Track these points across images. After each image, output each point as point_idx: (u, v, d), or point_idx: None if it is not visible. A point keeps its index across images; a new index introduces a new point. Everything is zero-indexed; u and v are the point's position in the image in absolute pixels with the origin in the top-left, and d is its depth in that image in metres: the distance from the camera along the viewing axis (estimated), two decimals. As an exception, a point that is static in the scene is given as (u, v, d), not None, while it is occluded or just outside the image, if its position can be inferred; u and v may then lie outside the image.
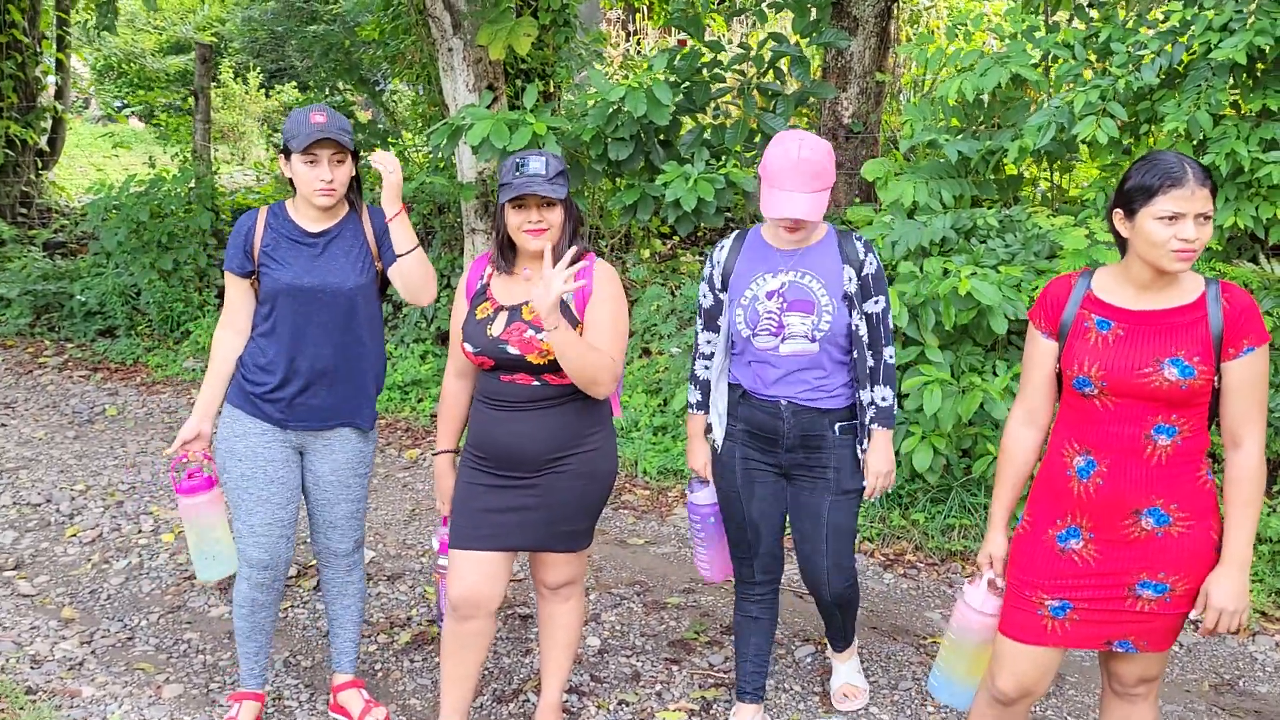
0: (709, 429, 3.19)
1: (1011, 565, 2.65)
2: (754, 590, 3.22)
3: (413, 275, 3.12)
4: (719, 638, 3.97)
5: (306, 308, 3.10)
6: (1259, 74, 4.64)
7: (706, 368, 3.15)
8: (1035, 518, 2.60)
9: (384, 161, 3.08)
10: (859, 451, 3.02)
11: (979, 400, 4.46)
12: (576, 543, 3.05)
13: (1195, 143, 4.63)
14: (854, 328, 2.94)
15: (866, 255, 2.95)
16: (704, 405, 3.17)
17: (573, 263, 2.83)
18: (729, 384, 3.12)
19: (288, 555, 3.25)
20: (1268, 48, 4.33)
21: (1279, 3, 4.36)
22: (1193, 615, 2.49)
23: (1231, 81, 4.61)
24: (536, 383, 2.87)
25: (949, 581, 4.48)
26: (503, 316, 2.88)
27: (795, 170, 2.82)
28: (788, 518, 3.17)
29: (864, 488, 3.05)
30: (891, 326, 3.03)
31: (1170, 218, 2.33)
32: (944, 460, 4.69)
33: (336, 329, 3.14)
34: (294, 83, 19.05)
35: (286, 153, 3.07)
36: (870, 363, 2.99)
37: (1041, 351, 2.58)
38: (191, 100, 15.99)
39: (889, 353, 3.00)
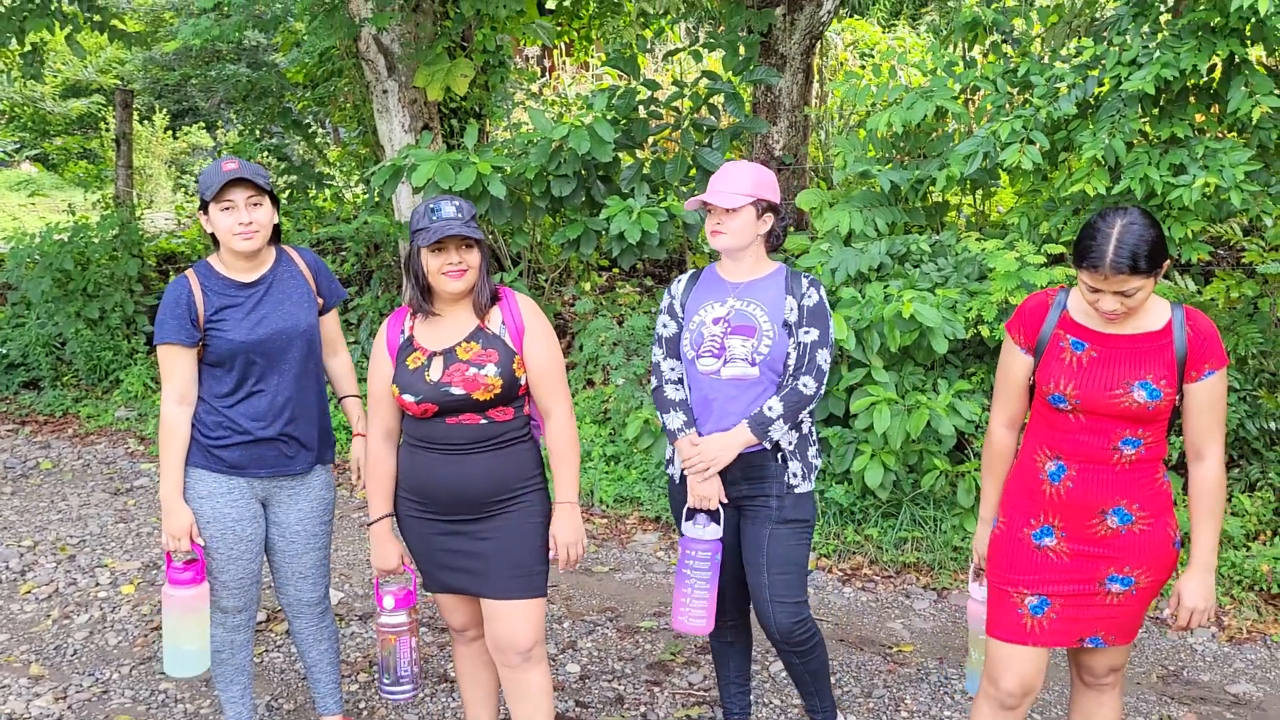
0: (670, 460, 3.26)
1: (991, 564, 2.83)
2: (725, 619, 3.31)
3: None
4: (695, 657, 4.09)
5: (268, 358, 3.11)
6: (1165, 104, 4.99)
7: (678, 390, 3.19)
8: (1010, 517, 2.80)
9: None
10: (788, 478, 3.09)
11: (926, 418, 4.69)
12: (533, 587, 2.95)
13: (1110, 168, 4.95)
14: (788, 355, 3.06)
15: (809, 289, 3.08)
16: (691, 423, 3.14)
17: (493, 300, 2.93)
18: None
19: (257, 596, 3.30)
20: (1173, 79, 4.66)
21: (1181, 39, 4.71)
22: (1165, 614, 2.71)
23: (1141, 111, 4.95)
24: (483, 421, 2.88)
25: (905, 592, 4.68)
26: (438, 361, 2.88)
27: (720, 173, 3.11)
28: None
29: (809, 520, 3.14)
30: (821, 365, 3.04)
31: (1091, 289, 2.54)
32: (893, 476, 4.91)
33: (297, 372, 3.17)
34: (200, 123, 18.81)
35: (204, 206, 3.08)
36: (785, 384, 3.06)
37: (1019, 364, 2.78)
38: (98, 144, 15.70)
39: (805, 381, 3.03)
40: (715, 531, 3.13)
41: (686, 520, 3.17)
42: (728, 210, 3.04)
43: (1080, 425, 2.64)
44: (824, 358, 3.04)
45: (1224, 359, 2.59)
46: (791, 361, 3.05)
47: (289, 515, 3.24)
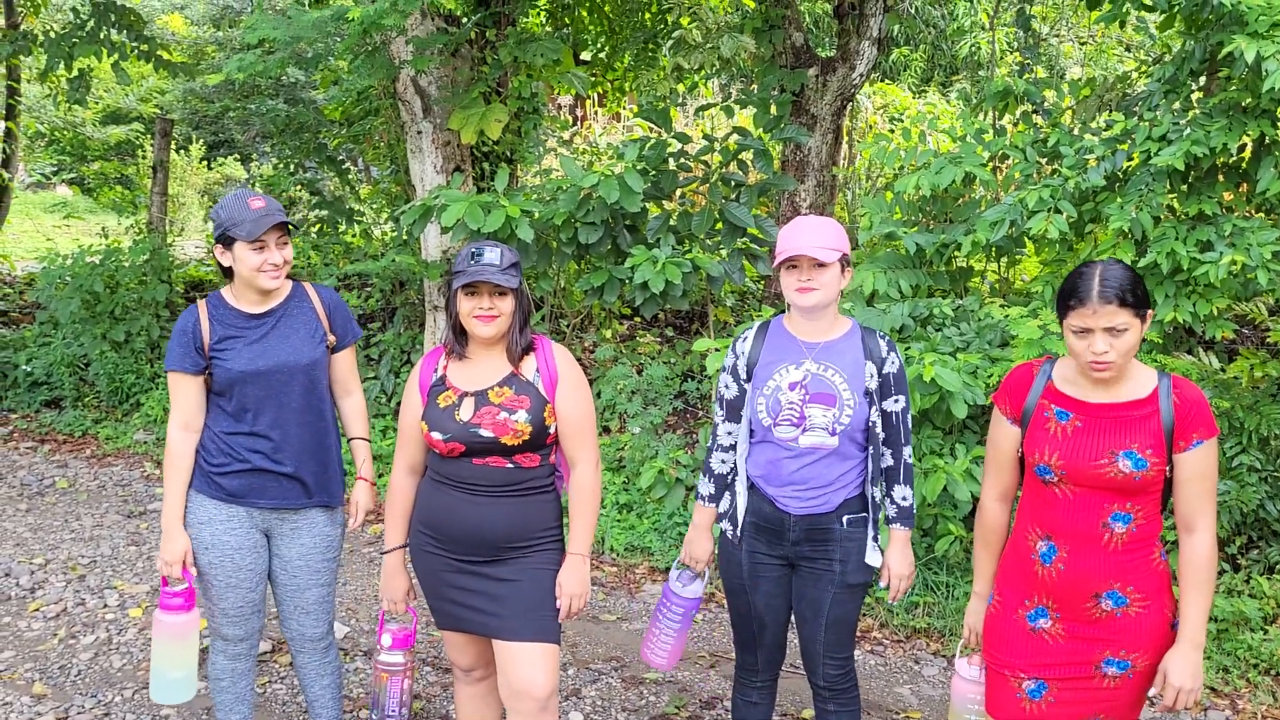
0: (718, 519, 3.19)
1: (987, 645, 2.80)
2: (756, 678, 3.26)
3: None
4: (699, 712, 4.05)
5: (267, 390, 3.11)
6: (1194, 181, 5.01)
7: (724, 461, 3.12)
8: (1005, 597, 2.77)
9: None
10: (871, 543, 3.04)
11: (942, 483, 4.66)
12: (549, 632, 2.92)
13: (1136, 241, 4.96)
14: (871, 423, 2.99)
15: (889, 353, 3.01)
16: (716, 499, 3.14)
17: (525, 351, 2.93)
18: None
19: (260, 625, 3.30)
20: (1202, 156, 4.69)
21: (1211, 117, 4.73)
22: (1152, 693, 2.65)
23: (1170, 186, 4.96)
24: (510, 465, 2.88)
25: (915, 658, 4.62)
26: (469, 402, 2.88)
27: (801, 227, 2.97)
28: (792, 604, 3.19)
29: (869, 583, 3.09)
30: (910, 426, 3.05)
31: (1080, 332, 2.51)
32: (908, 539, 4.86)
33: (299, 407, 3.16)
34: (235, 155, 19.11)
35: (227, 241, 3.06)
36: (890, 461, 3.03)
37: (1006, 436, 2.76)
38: (134, 171, 15.96)
39: (908, 452, 3.02)
40: (696, 590, 3.27)
41: (673, 571, 3.28)
42: (820, 265, 2.91)
43: (1068, 500, 2.60)
44: (909, 419, 3.05)
45: (1213, 429, 2.54)
46: (880, 431, 3.00)
47: (291, 549, 3.22)
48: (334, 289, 3.47)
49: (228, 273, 3.13)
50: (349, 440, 3.42)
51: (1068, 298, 2.52)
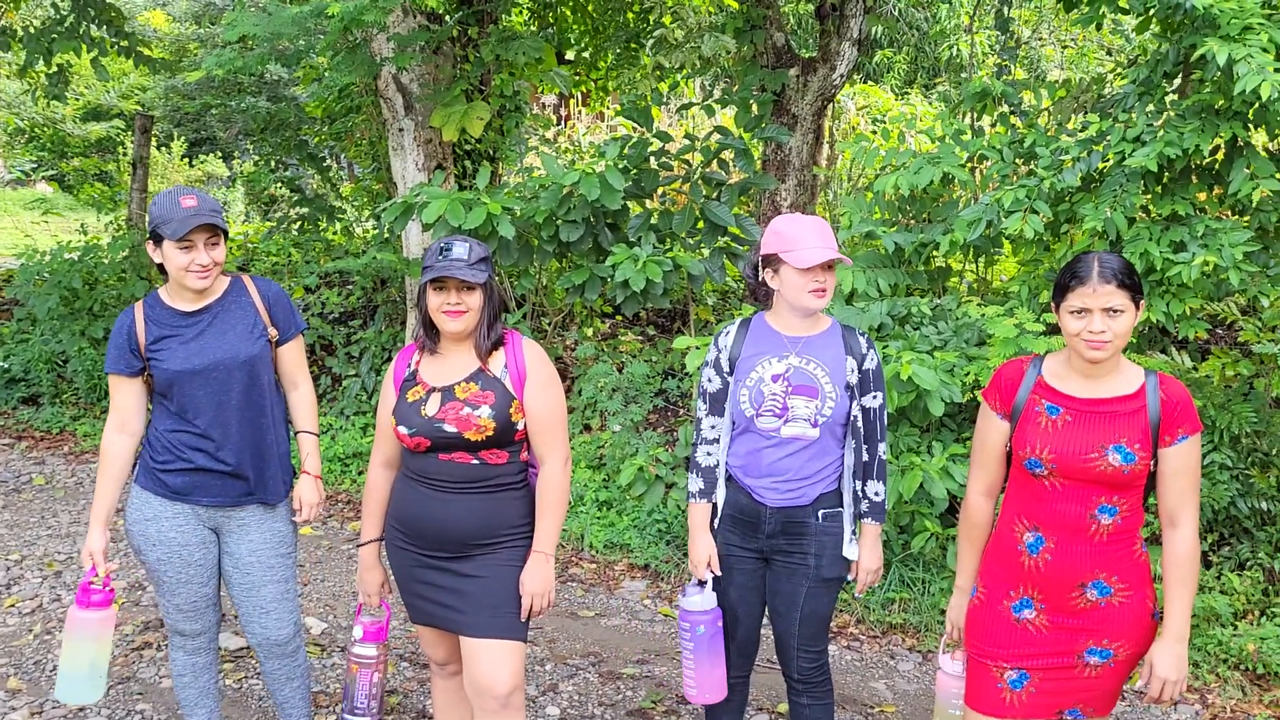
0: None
1: (970, 636, 2.84)
2: (730, 672, 3.24)
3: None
4: (675, 707, 4.07)
5: (206, 388, 3.08)
6: (1167, 182, 5.06)
7: (710, 454, 3.13)
8: (989, 588, 2.80)
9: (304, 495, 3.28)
10: (848, 537, 3.07)
11: (919, 480, 4.70)
12: (513, 629, 2.91)
13: (1110, 242, 5.01)
14: (852, 418, 3.03)
15: (869, 350, 3.05)
16: (708, 493, 3.13)
17: (494, 346, 2.93)
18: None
19: (216, 620, 3.28)
20: (1175, 158, 4.74)
21: (1185, 119, 4.79)
22: (1138, 685, 2.69)
23: (1144, 187, 5.01)
24: (475, 461, 2.88)
25: (890, 653, 4.66)
26: (435, 397, 2.88)
27: (812, 227, 2.99)
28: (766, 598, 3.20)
29: (844, 577, 3.11)
30: (886, 423, 3.09)
31: (1078, 312, 2.57)
32: (884, 536, 4.90)
33: (239, 404, 3.12)
34: (217, 153, 19.05)
35: (157, 239, 3.04)
36: (865, 457, 3.07)
37: (995, 430, 2.80)
38: (114, 168, 15.88)
39: (883, 448, 3.06)
40: (700, 602, 3.08)
41: (684, 590, 3.15)
42: (829, 266, 2.96)
43: (1057, 492, 2.64)
44: (885, 416, 3.08)
45: (1197, 425, 2.60)
46: (861, 427, 3.04)
47: (240, 546, 3.19)
48: (274, 280, 3.42)
49: (164, 270, 3.10)
50: (296, 434, 3.37)
51: (1069, 278, 2.58)
